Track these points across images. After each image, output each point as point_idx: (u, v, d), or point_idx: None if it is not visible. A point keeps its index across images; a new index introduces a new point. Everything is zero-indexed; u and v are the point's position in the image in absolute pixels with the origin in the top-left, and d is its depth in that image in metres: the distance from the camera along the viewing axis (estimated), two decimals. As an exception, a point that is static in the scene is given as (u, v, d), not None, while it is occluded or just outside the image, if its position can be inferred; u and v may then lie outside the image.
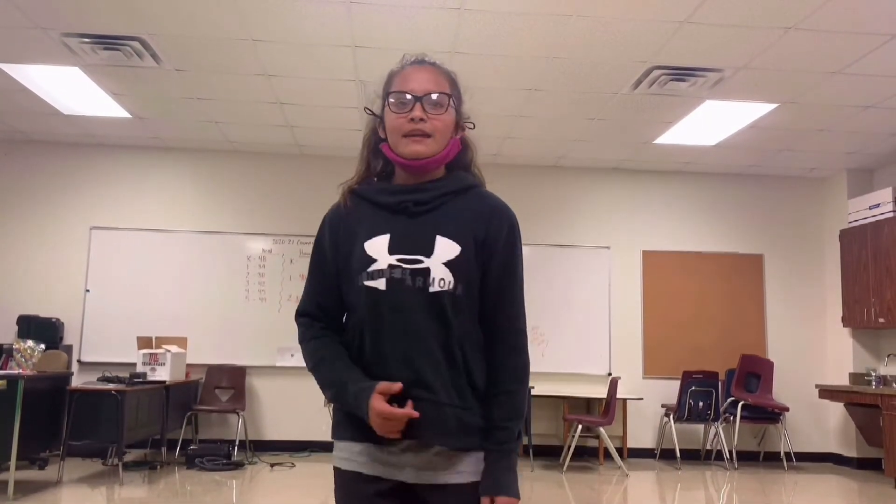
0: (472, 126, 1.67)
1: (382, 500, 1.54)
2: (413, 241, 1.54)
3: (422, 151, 1.55)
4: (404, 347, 1.50)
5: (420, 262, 1.52)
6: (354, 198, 1.64)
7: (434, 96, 1.56)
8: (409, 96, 1.56)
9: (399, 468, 1.52)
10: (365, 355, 1.54)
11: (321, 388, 1.59)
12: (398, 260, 1.52)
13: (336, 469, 1.60)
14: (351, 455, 1.56)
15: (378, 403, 1.45)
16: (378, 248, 1.55)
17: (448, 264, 1.52)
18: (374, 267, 1.53)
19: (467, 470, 1.52)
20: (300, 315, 1.67)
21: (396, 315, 1.50)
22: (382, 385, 1.47)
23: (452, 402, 1.50)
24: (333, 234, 1.63)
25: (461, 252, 1.54)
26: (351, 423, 1.55)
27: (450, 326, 1.51)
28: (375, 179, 1.67)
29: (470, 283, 1.54)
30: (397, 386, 1.46)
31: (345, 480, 1.57)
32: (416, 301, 1.50)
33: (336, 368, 1.56)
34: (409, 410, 1.46)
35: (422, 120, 1.55)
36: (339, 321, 1.64)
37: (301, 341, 1.65)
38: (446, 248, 1.54)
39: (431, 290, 1.50)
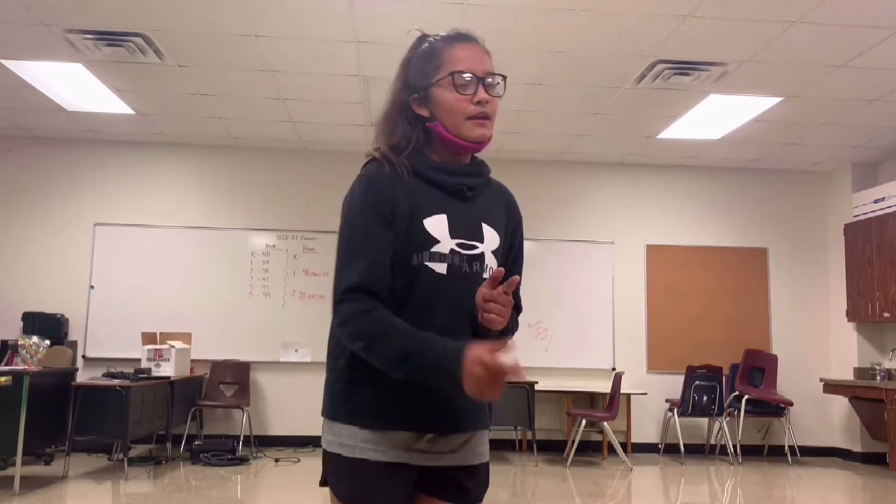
0: None
1: (407, 495, 1.50)
2: (468, 227, 1.51)
3: (487, 135, 1.51)
4: (456, 332, 1.45)
5: (475, 247, 1.51)
6: (402, 169, 1.49)
7: (495, 79, 1.52)
8: (473, 77, 1.49)
9: (435, 454, 1.49)
10: None
11: (384, 360, 1.38)
12: (458, 245, 1.49)
13: (339, 457, 1.47)
14: (362, 440, 1.45)
15: (483, 352, 1.27)
16: (439, 228, 1.47)
17: (494, 252, 1.54)
18: (437, 248, 1.45)
19: (483, 450, 1.58)
20: (354, 291, 1.40)
21: (452, 303, 1.45)
22: (490, 343, 1.30)
23: None
24: (390, 198, 1.45)
25: (500, 241, 1.57)
26: (390, 406, 1.44)
27: None
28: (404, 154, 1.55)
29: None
30: (511, 344, 1.31)
31: (358, 469, 1.45)
32: (471, 288, 1.47)
33: (414, 334, 1.37)
34: (515, 364, 1.29)
35: (487, 103, 1.50)
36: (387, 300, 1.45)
37: (348, 318, 1.40)
38: (492, 236, 1.55)
39: (485, 276, 1.50)
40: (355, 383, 1.48)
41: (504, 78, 1.54)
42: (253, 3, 4.58)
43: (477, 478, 1.55)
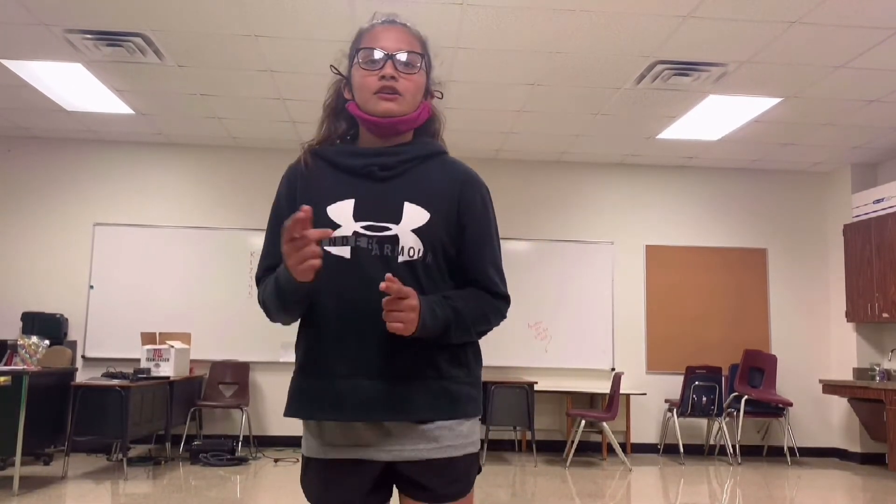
0: (440, 95, 1.60)
1: (373, 488, 1.48)
2: (380, 208, 1.48)
3: (393, 109, 1.48)
4: (370, 321, 1.41)
5: (388, 229, 1.46)
6: (315, 159, 1.56)
7: (406, 55, 1.50)
8: (379, 53, 1.49)
9: (379, 447, 1.45)
10: (322, 328, 1.46)
11: (277, 315, 1.50)
12: (364, 227, 1.46)
13: (303, 456, 1.51)
14: (323, 440, 1.47)
15: (287, 222, 1.31)
16: (342, 213, 1.48)
17: (417, 231, 1.47)
18: (337, 233, 1.46)
19: (457, 443, 1.48)
20: (259, 282, 1.56)
21: (361, 286, 1.42)
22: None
23: (425, 374, 1.45)
24: (291, 193, 1.55)
25: (430, 219, 1.48)
26: (315, 395, 1.46)
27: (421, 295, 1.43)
28: (338, 142, 1.59)
29: (439, 250, 1.49)
30: (306, 207, 1.31)
31: (323, 471, 1.48)
32: (382, 271, 1.41)
33: (276, 272, 1.46)
34: (324, 231, 1.33)
35: (393, 78, 1.48)
36: None
37: (260, 303, 1.54)
38: (414, 215, 1.48)
39: (401, 259, 1.45)
40: (295, 377, 1.53)
41: (422, 57, 1.53)
42: (253, 3, 4.58)
43: (446, 473, 1.46)
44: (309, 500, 1.52)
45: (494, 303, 1.55)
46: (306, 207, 1.30)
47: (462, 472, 1.49)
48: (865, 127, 6.66)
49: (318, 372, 1.47)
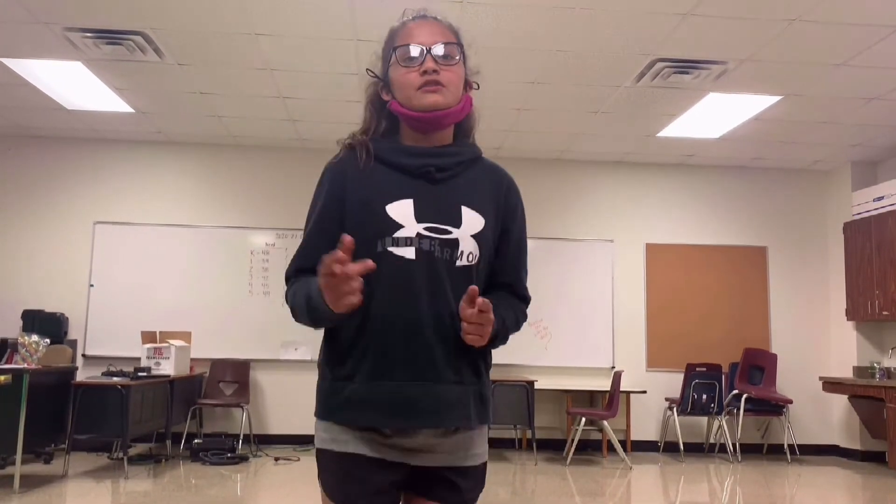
0: (477, 85, 1.58)
1: (394, 491, 1.46)
2: (440, 210, 1.45)
3: (440, 101, 1.46)
4: (431, 325, 1.40)
5: (449, 232, 1.44)
6: (359, 151, 1.51)
7: (444, 47, 1.48)
8: (416, 49, 1.46)
9: (415, 452, 1.44)
10: (379, 331, 1.41)
11: (302, 319, 1.44)
12: (426, 229, 1.43)
13: (328, 452, 1.45)
14: (352, 436, 1.43)
15: (326, 257, 1.24)
16: (403, 212, 1.44)
17: (475, 237, 1.46)
18: (401, 233, 1.42)
19: (480, 451, 1.51)
20: (289, 278, 1.50)
21: (425, 289, 1.39)
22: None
23: (470, 380, 1.47)
24: (339, 186, 1.49)
25: (485, 224, 1.49)
26: (369, 400, 1.41)
27: None
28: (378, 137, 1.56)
29: (489, 255, 1.51)
30: (347, 239, 1.24)
31: (346, 464, 1.43)
32: (444, 275, 1.42)
33: (306, 283, 1.40)
34: (365, 263, 1.26)
35: (435, 71, 1.45)
36: None
37: (286, 300, 1.48)
38: (472, 220, 1.47)
39: (459, 263, 1.44)
40: (327, 379, 1.49)
41: (460, 46, 1.51)
42: (253, 1, 4.58)
43: (470, 478, 1.49)
44: (326, 490, 1.47)
45: (523, 308, 1.58)
46: (348, 238, 1.24)
47: (481, 477, 1.52)
48: (865, 125, 6.65)
49: (371, 376, 1.41)
